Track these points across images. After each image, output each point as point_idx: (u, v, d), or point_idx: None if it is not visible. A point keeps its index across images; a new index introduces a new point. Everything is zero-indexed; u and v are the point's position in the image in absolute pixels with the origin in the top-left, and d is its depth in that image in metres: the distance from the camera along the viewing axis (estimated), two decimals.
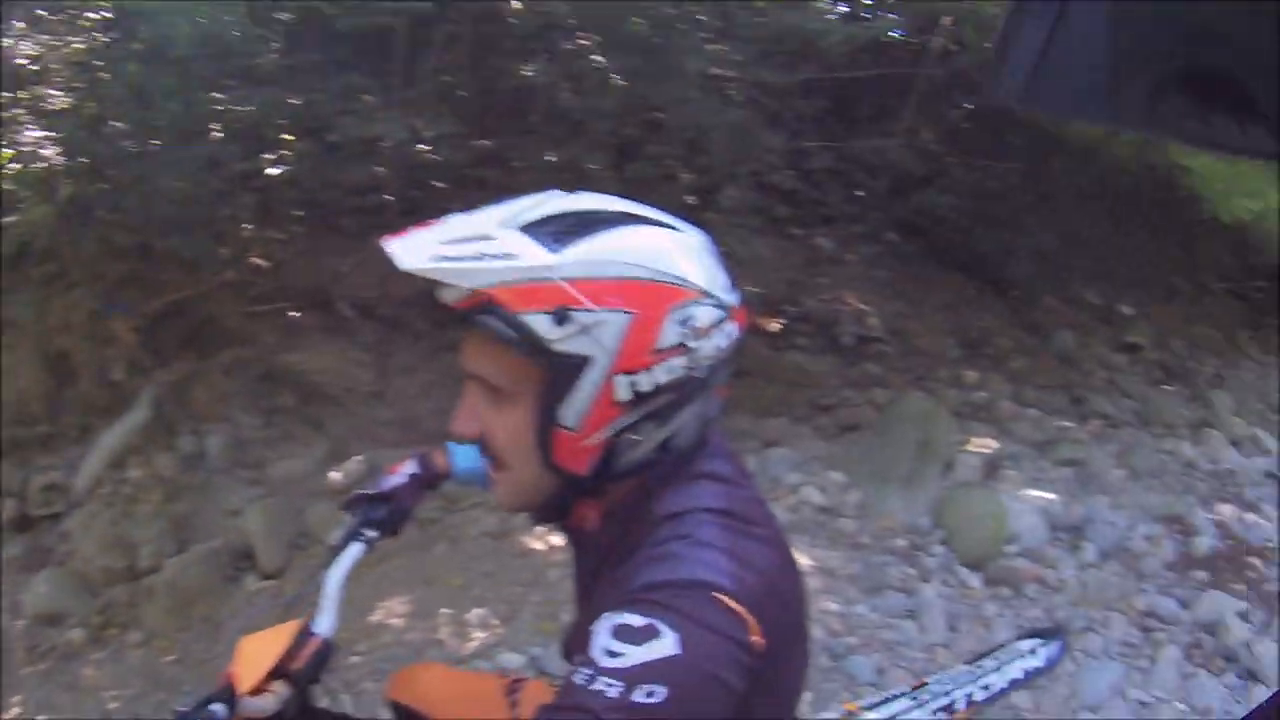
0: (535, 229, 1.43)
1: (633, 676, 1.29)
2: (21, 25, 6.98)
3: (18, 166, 6.69)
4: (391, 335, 7.26)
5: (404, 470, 2.71)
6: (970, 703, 2.53)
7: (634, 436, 1.54)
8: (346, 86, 6.78)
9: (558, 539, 5.51)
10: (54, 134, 6.67)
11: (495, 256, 1.38)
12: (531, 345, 1.40)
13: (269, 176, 6.96)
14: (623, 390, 1.45)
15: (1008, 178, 8.73)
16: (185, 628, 5.85)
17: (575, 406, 1.45)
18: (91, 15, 6.69)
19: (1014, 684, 2.63)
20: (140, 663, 5.75)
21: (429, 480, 2.72)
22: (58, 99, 6.77)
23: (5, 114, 6.62)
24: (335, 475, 6.59)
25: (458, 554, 6.08)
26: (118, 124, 6.60)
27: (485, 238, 1.41)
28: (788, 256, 8.39)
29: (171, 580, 6.02)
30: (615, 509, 1.66)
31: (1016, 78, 1.01)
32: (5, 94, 6.65)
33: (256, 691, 1.85)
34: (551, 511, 1.74)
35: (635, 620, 1.34)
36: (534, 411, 1.48)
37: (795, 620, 1.62)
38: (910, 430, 6.83)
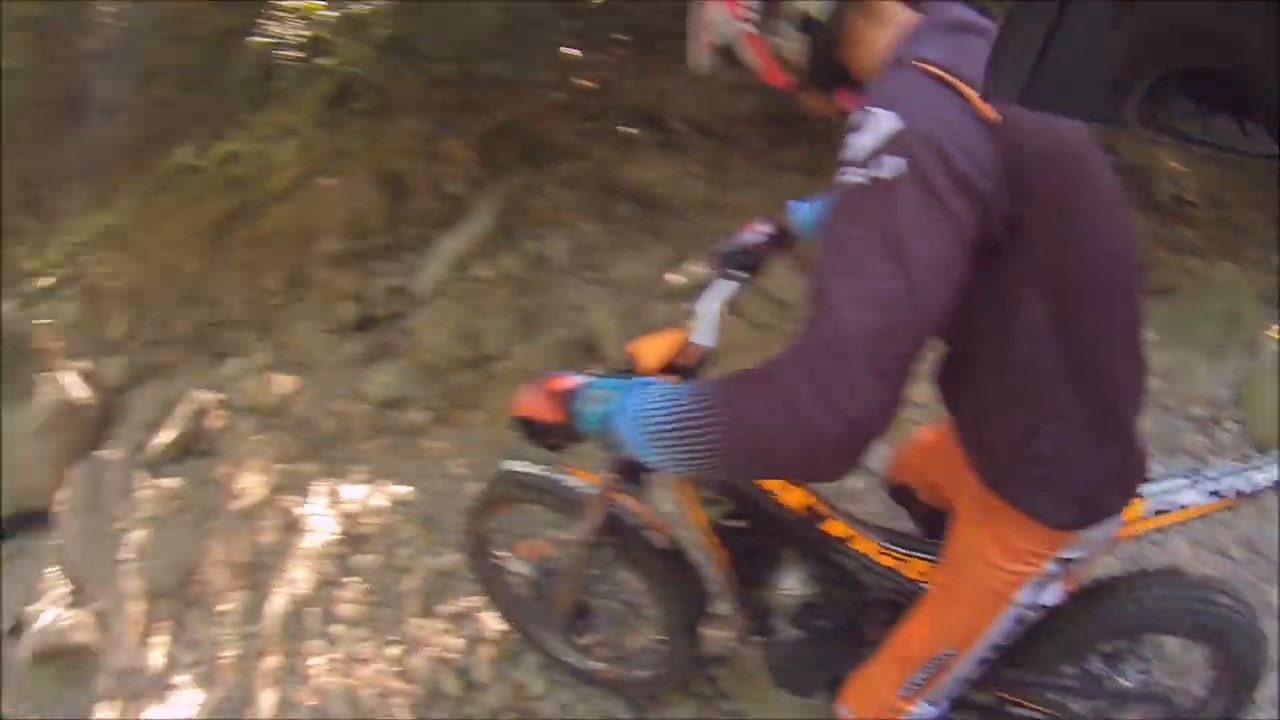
0: None
1: (867, 157, 1.57)
2: None
3: (334, 14, 8.06)
4: (726, 150, 7.99)
5: (759, 229, 3.51)
6: (1238, 494, 2.86)
7: None
8: None
9: None
10: None
11: None
12: None
13: (587, 3, 7.77)
14: None
15: None
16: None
17: None
18: None
19: (1275, 485, 2.92)
20: (485, 436, 6.77)
21: (780, 237, 3.49)
22: None
23: None
24: (676, 278, 7.25)
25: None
26: None
27: None
28: None
29: (519, 365, 6.96)
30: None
31: (1016, 78, 1.05)
32: None
33: (656, 372, 2.63)
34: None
35: (854, 121, 1.63)
36: None
37: (1073, 174, 1.81)
38: (1219, 301, 7.08)
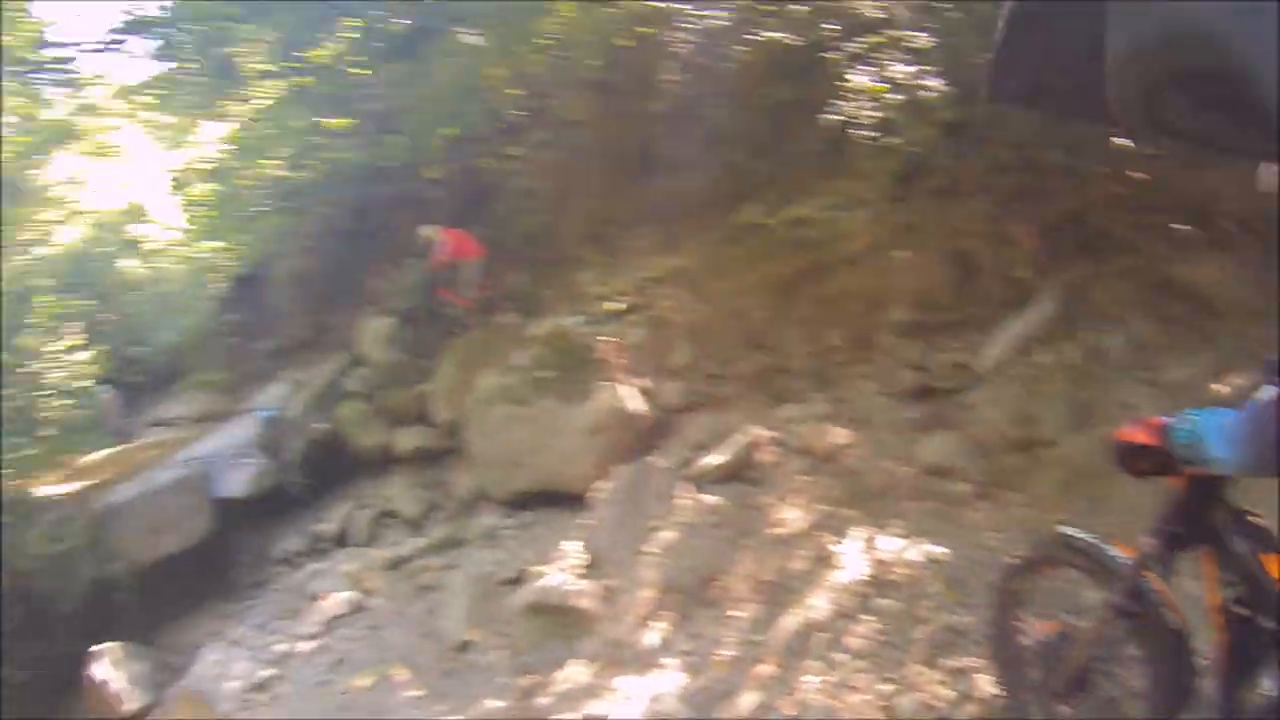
0: None
1: None
2: None
3: (898, 97, 8.94)
4: (1272, 253, 7.87)
5: None
6: None
7: None
8: None
9: None
10: (926, 67, 8.82)
11: None
12: None
13: None
14: None
15: None
16: (1072, 499, 7.05)
17: None
18: None
19: None
20: (1023, 517, 7.24)
21: None
22: (918, 38, 8.89)
23: (872, 54, 9.11)
24: (1220, 387, 7.22)
25: None
26: (976, 56, 8.32)
27: None
28: None
29: (1067, 455, 7.40)
30: None
31: (1016, 78, 1.17)
32: (860, 39, 9.13)
33: None
34: None
35: None
36: None
37: None
38: None
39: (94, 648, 10.10)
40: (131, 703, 9.74)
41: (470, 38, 12.34)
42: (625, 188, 13.37)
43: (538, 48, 12.03)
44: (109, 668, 9.92)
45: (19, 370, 12.53)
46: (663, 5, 11.77)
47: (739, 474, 8.95)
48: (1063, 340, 8.06)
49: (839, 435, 8.85)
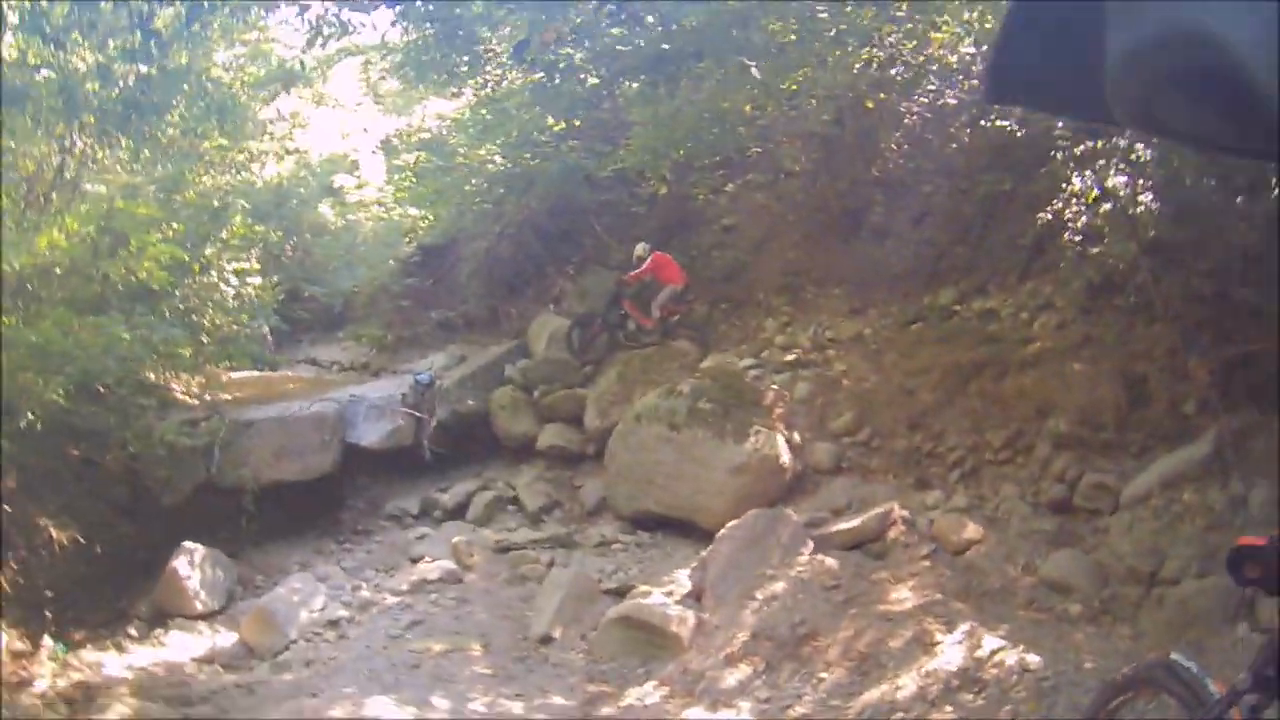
0: None
1: None
2: None
3: (1107, 206, 9.10)
4: None
5: None
6: None
7: None
8: None
9: None
10: (1142, 181, 8.94)
11: None
12: None
13: None
14: None
15: None
16: (1174, 640, 6.96)
17: None
18: None
19: None
20: (1127, 649, 7.24)
21: None
22: (1139, 150, 8.95)
23: (1094, 159, 9.15)
24: None
25: None
26: (1195, 178, 8.58)
27: None
28: None
29: (1184, 597, 7.48)
30: None
31: (1016, 78, 1.13)
32: (1088, 143, 9.13)
33: None
34: None
35: None
36: None
37: None
38: None
39: (184, 543, 10.57)
40: (201, 603, 10.20)
41: (714, 71, 12.63)
42: (826, 245, 13.63)
43: (774, 93, 12.22)
44: (191, 566, 10.38)
45: (198, 277, 13.14)
46: (901, 76, 11.84)
47: (864, 545, 9.20)
48: (1210, 483, 8.03)
49: (970, 530, 9.03)
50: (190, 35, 12.59)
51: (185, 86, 13.11)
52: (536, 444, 13.56)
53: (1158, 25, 0.92)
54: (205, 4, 11.90)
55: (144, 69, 11.43)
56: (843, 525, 9.40)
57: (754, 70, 11.86)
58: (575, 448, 13.32)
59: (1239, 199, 8.53)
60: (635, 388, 12.96)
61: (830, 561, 8.69)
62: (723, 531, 9.36)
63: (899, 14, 11.26)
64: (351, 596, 10.56)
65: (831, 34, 11.43)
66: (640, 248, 14.79)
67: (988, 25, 9.86)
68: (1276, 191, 8.18)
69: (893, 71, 11.67)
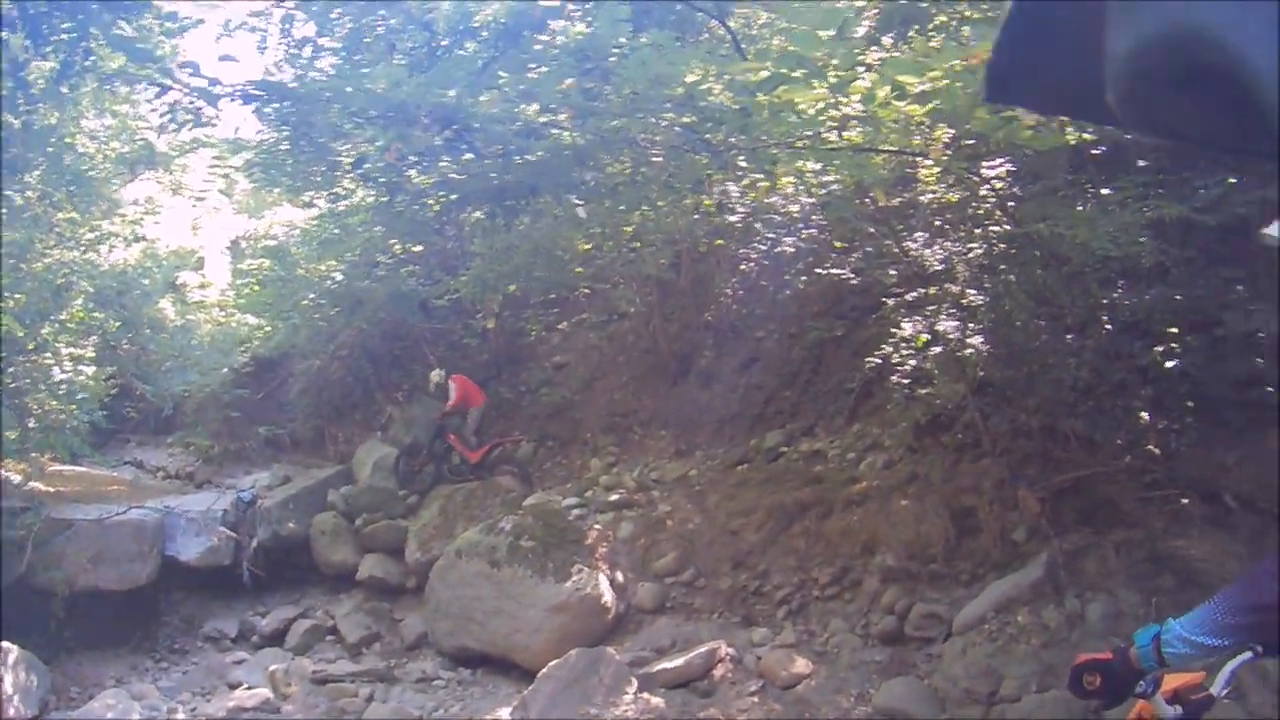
0: None
1: None
2: (921, 235, 9.51)
3: (937, 349, 9.15)
4: (1268, 529, 8.05)
5: None
6: None
7: None
8: (1221, 281, 8.37)
9: None
10: (972, 325, 9.01)
11: None
12: None
13: (1163, 369, 8.51)
14: None
15: None
16: None
17: None
18: (994, 228, 8.93)
19: None
20: None
21: None
22: (970, 296, 9.05)
23: (925, 305, 9.22)
24: None
25: None
26: (1025, 319, 8.74)
27: None
28: None
29: (1025, 713, 7.35)
30: None
31: (1017, 78, 1.13)
32: (918, 290, 9.23)
33: (1169, 696, 2.99)
34: None
35: None
36: None
37: None
38: None
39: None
40: (15, 709, 9.40)
41: (552, 208, 12.60)
42: (655, 387, 13.66)
43: (613, 234, 12.23)
44: (4, 667, 9.58)
45: (31, 357, 12.33)
46: (740, 222, 11.88)
47: (690, 683, 8.88)
48: (1044, 604, 8.05)
49: (800, 665, 8.78)
50: (60, 96, 12.05)
51: (49, 148, 12.49)
52: (357, 573, 13.03)
53: (1158, 24, 0.90)
54: (80, 63, 11.34)
55: (11, 119, 10.85)
56: (667, 664, 9.08)
57: (580, 210, 11.85)
58: (396, 580, 12.88)
59: (1069, 336, 8.79)
60: (457, 522, 12.62)
61: (656, 700, 8.41)
62: (544, 670, 8.94)
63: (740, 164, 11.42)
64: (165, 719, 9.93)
65: (664, 179, 11.46)
66: (436, 374, 14.71)
67: (827, 178, 10.03)
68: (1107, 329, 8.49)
69: (731, 219, 11.72)
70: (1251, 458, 8.18)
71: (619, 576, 10.80)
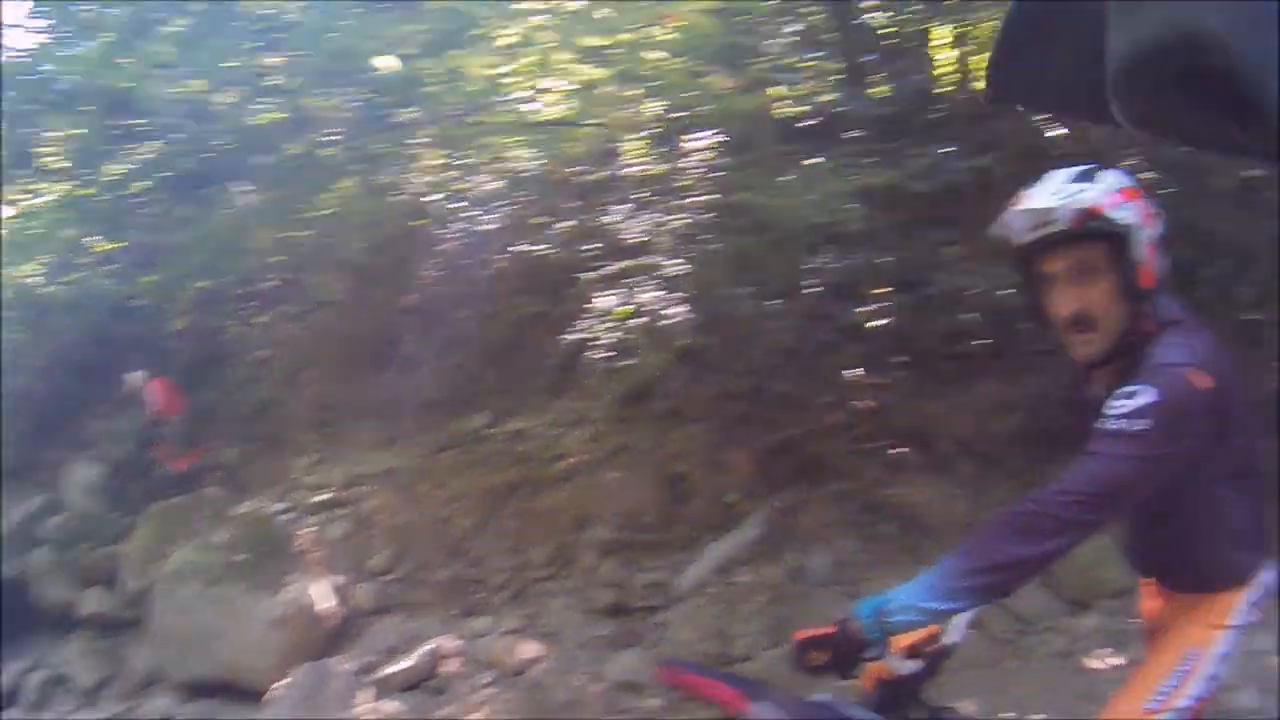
0: (1071, 178, 2.68)
1: (1128, 416, 2.53)
2: (625, 207, 9.44)
3: (638, 320, 8.96)
4: (987, 471, 8.46)
5: None
6: None
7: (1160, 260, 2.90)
8: (930, 243, 8.57)
9: (1117, 659, 6.68)
10: (673, 295, 8.86)
11: (1083, 190, 2.62)
12: (1121, 225, 2.63)
13: (870, 328, 8.74)
14: (1150, 231, 2.70)
15: None
16: None
17: (1140, 247, 2.68)
18: (697, 199, 8.93)
19: None
20: None
21: None
22: (670, 266, 8.95)
23: (625, 277, 9.10)
24: None
25: (1026, 670, 6.97)
26: (728, 287, 8.67)
27: (1063, 190, 2.65)
28: None
29: (759, 670, 7.23)
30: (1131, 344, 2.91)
31: (1017, 78, 1.13)
32: (618, 263, 9.15)
33: (905, 653, 3.06)
34: (1110, 354, 2.91)
35: (1130, 388, 2.58)
36: (1117, 268, 2.69)
37: (1249, 409, 2.80)
38: None
39: None
40: None
41: (244, 194, 11.90)
42: (358, 376, 12.97)
43: (307, 220, 11.64)
44: None
45: None
46: (439, 203, 11.55)
47: (422, 683, 8.51)
48: (765, 561, 8.10)
49: (528, 650, 8.48)
50: None
51: None
52: (81, 611, 12.04)
53: (1158, 25, 0.90)
54: None
55: None
56: (397, 667, 8.66)
57: (252, 196, 11.25)
58: (118, 613, 11.78)
59: (774, 301, 8.78)
60: (170, 541, 11.47)
61: (391, 706, 8.09)
62: (275, 691, 8.46)
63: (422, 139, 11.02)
64: None
65: (343, 158, 10.94)
66: (132, 377, 13.68)
67: (521, 154, 9.79)
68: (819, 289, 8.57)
69: (431, 199, 11.34)
70: (963, 405, 8.45)
71: (336, 580, 10.22)
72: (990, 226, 2.84)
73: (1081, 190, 2.63)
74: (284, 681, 8.46)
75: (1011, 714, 6.25)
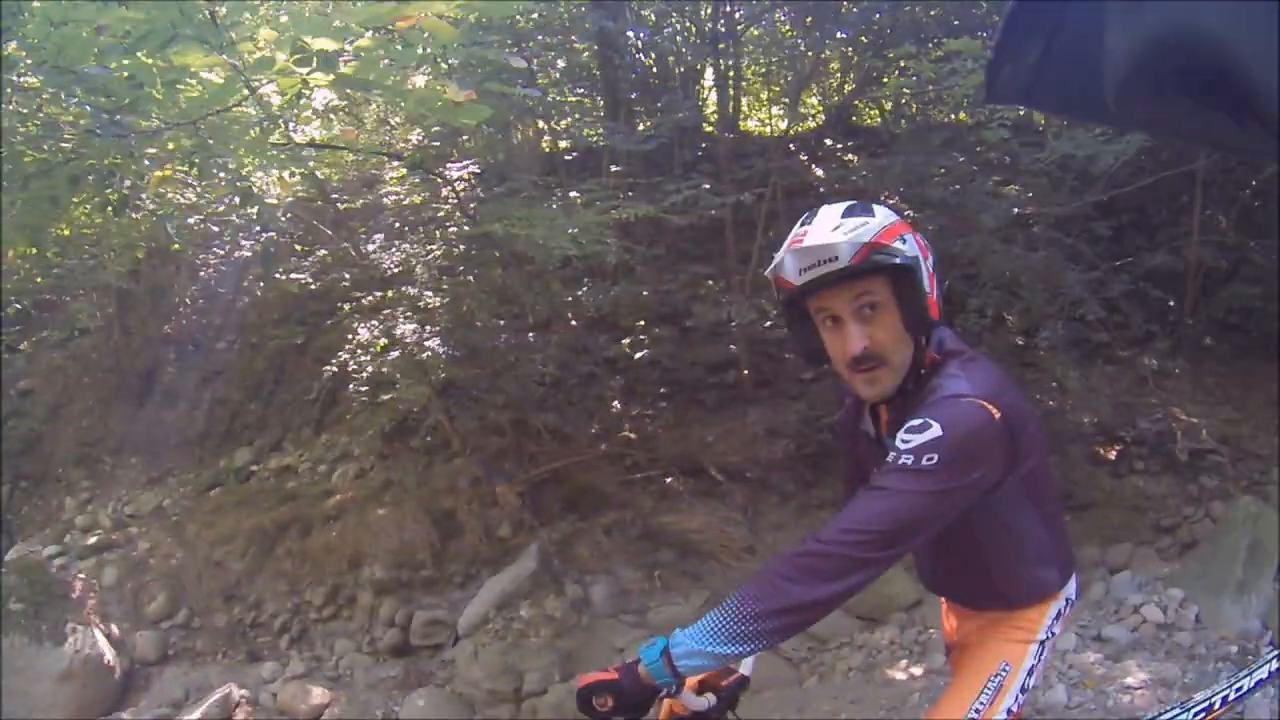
0: (849, 214, 2.58)
1: (916, 451, 2.43)
2: (381, 236, 9.18)
3: (396, 354, 8.81)
4: (760, 496, 8.66)
5: None
6: (1225, 701, 3.26)
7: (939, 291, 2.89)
8: (691, 276, 8.80)
9: (918, 669, 6.94)
10: (430, 327, 8.78)
11: (864, 224, 2.52)
12: (908, 257, 2.55)
13: (633, 360, 8.86)
14: (927, 268, 2.64)
15: None
16: None
17: (924, 282, 2.60)
18: (454, 229, 8.73)
19: (1260, 684, 3.37)
20: None
21: None
22: (429, 298, 8.81)
23: (383, 308, 8.90)
24: None
25: (827, 686, 7.13)
26: (486, 319, 8.75)
27: (843, 225, 2.54)
28: (1117, 382, 9.19)
29: (557, 703, 7.37)
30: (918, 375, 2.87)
31: (1017, 79, 1.13)
32: (376, 293, 8.95)
33: (696, 690, 2.93)
34: (901, 385, 2.83)
35: (916, 422, 2.48)
36: (904, 303, 2.60)
37: (1030, 420, 2.72)
38: (1240, 536, 7.37)
39: None
40: None
41: None
42: (121, 409, 12.30)
43: (64, 240, 10.89)
44: None
45: None
46: (200, 226, 10.96)
47: None
48: (545, 594, 8.06)
49: (317, 695, 8.25)
50: None
51: None
52: None
53: (1158, 26, 0.91)
54: None
55: None
56: (187, 719, 8.25)
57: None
58: None
59: (532, 335, 8.86)
60: None
61: None
62: None
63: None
64: None
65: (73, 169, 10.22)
66: None
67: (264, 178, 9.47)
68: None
69: (190, 221, 10.82)
70: (731, 433, 8.68)
71: (114, 629, 9.58)
72: (759, 265, 2.75)
73: (863, 223, 2.54)
74: None
75: None
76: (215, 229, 10.86)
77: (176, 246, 11.22)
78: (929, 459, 2.42)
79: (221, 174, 8.50)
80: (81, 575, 10.30)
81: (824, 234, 2.54)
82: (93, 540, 11.06)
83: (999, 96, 1.18)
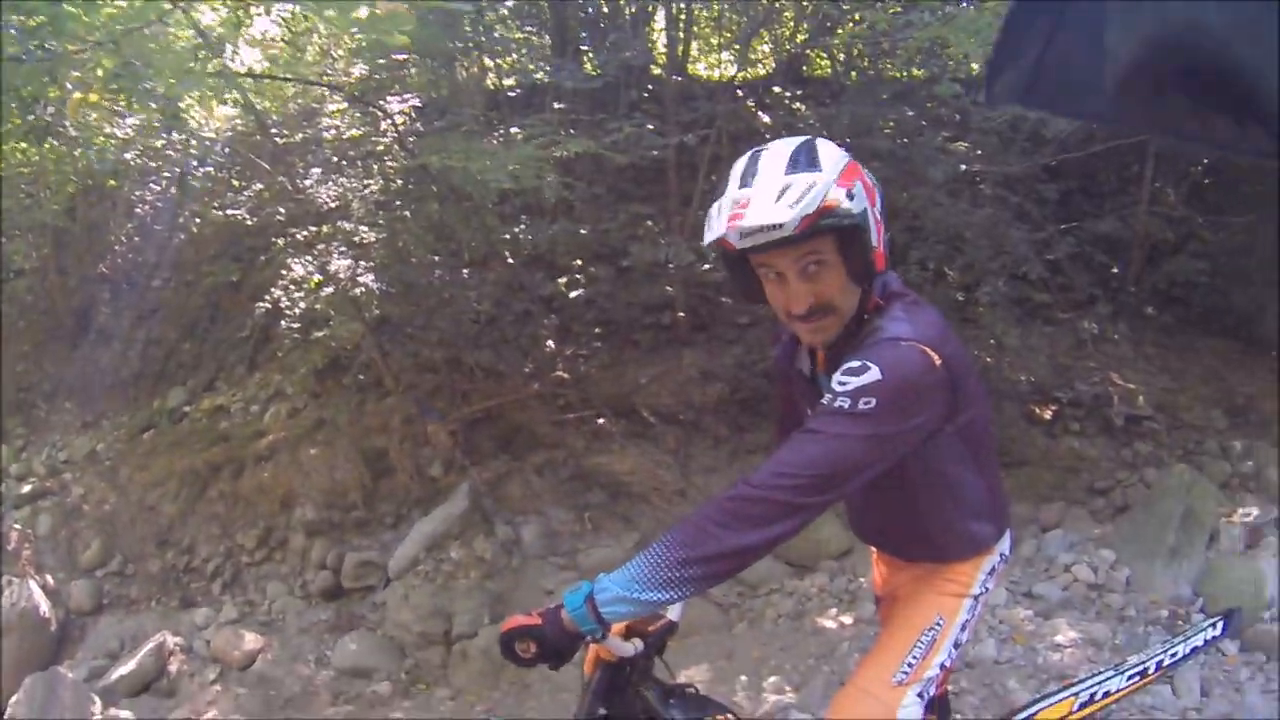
0: (794, 167, 2.46)
1: (854, 394, 2.36)
2: (318, 171, 8.93)
3: (330, 290, 8.66)
4: (692, 438, 8.57)
5: None
6: (1159, 666, 3.28)
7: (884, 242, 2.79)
8: (631, 216, 8.62)
9: (848, 618, 6.93)
10: (365, 263, 8.60)
11: (810, 187, 2.38)
12: (852, 217, 2.44)
13: (569, 299, 8.72)
14: (876, 209, 2.55)
15: (1258, 233, 9.06)
16: (495, 687, 7.02)
17: (872, 235, 2.51)
18: (393, 164, 8.56)
19: (1194, 650, 3.40)
20: (449, 713, 6.99)
21: None
22: (364, 234, 8.61)
23: (316, 244, 8.65)
24: None
25: (756, 632, 7.10)
26: (422, 255, 8.56)
27: (789, 187, 2.40)
28: (1056, 343, 9.23)
29: (486, 646, 7.25)
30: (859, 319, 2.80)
31: (1017, 78, 1.12)
32: (311, 228, 8.66)
33: (623, 635, 2.90)
34: (844, 332, 2.77)
35: (854, 364, 2.40)
36: (849, 259, 2.52)
37: (971, 371, 2.66)
38: (1174, 504, 7.40)
39: None
40: None
41: None
42: (56, 352, 12.06)
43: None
44: None
45: None
46: (138, 161, 10.66)
47: (152, 686, 8.04)
48: (476, 535, 7.95)
49: (250, 640, 8.12)
50: None
51: None
52: None
53: (1158, 24, 0.92)
54: None
55: None
56: (121, 671, 8.06)
57: None
58: None
59: (468, 271, 8.66)
60: None
61: (123, 715, 7.50)
62: (10, 708, 7.57)
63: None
64: None
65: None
66: None
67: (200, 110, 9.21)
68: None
69: (127, 156, 10.51)
70: (666, 375, 8.57)
71: (50, 580, 9.45)
72: (700, 208, 2.61)
73: (809, 186, 2.39)
74: (14, 698, 7.69)
75: (745, 678, 6.28)
76: (153, 165, 10.65)
77: (112, 183, 10.98)
78: (866, 403, 2.34)
79: (152, 102, 8.30)
80: (17, 526, 10.14)
81: (767, 209, 2.40)
82: (27, 489, 10.86)
83: (998, 97, 1.15)
